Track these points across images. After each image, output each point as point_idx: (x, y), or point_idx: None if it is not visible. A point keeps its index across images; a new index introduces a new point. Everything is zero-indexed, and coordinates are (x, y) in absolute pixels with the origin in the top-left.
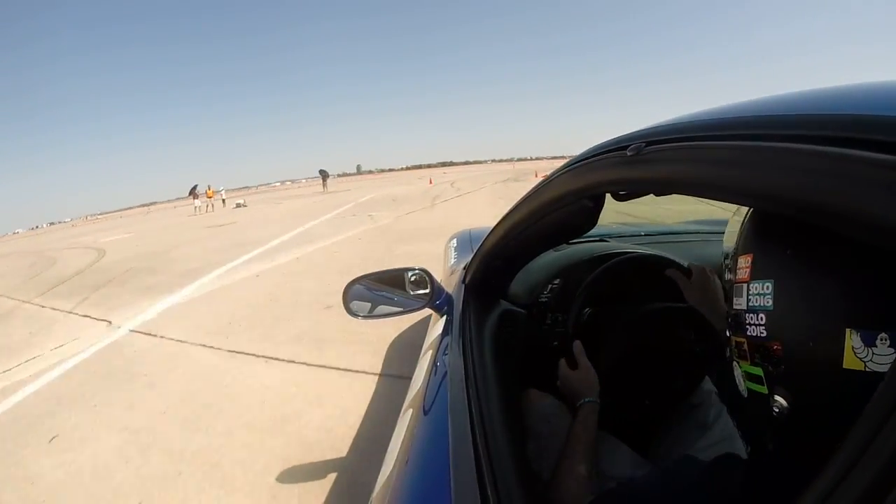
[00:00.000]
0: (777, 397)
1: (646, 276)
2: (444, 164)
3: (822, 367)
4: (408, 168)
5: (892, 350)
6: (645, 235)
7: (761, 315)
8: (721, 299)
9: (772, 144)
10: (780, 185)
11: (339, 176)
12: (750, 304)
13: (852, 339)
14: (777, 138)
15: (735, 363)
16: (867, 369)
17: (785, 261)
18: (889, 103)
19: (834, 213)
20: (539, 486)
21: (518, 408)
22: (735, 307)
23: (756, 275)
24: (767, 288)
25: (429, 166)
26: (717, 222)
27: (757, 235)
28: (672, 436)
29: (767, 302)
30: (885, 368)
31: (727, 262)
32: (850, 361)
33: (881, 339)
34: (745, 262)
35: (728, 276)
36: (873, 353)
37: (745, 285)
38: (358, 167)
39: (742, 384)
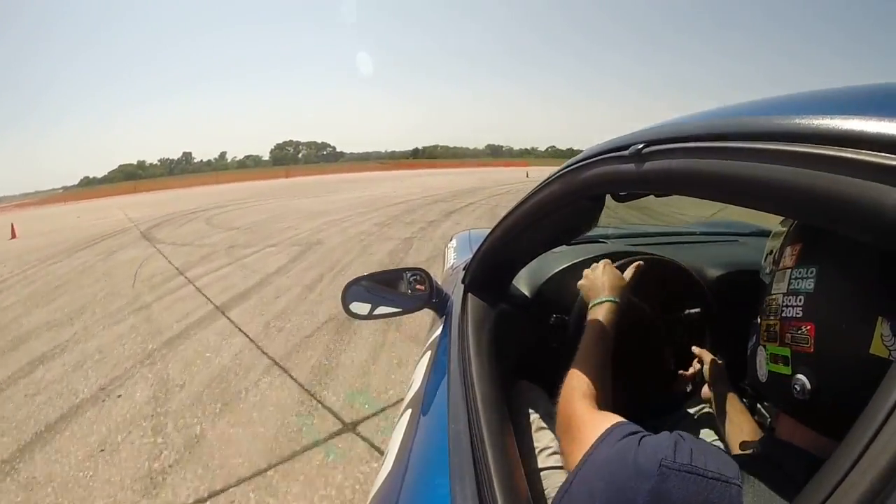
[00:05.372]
0: (799, 376)
1: (648, 280)
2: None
3: (849, 351)
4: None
5: None
6: (643, 236)
7: (800, 297)
8: None
9: (772, 146)
10: (781, 187)
11: None
12: (791, 287)
13: (882, 328)
14: (778, 140)
15: (760, 348)
16: (891, 357)
17: (833, 249)
18: (889, 106)
19: (834, 215)
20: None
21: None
22: (774, 292)
23: (802, 261)
24: (811, 273)
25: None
26: (715, 223)
27: (809, 227)
28: None
29: (809, 285)
30: None
31: (772, 255)
32: (876, 348)
33: None
34: (792, 251)
35: (769, 268)
36: None
37: (788, 271)
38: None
39: (763, 368)
